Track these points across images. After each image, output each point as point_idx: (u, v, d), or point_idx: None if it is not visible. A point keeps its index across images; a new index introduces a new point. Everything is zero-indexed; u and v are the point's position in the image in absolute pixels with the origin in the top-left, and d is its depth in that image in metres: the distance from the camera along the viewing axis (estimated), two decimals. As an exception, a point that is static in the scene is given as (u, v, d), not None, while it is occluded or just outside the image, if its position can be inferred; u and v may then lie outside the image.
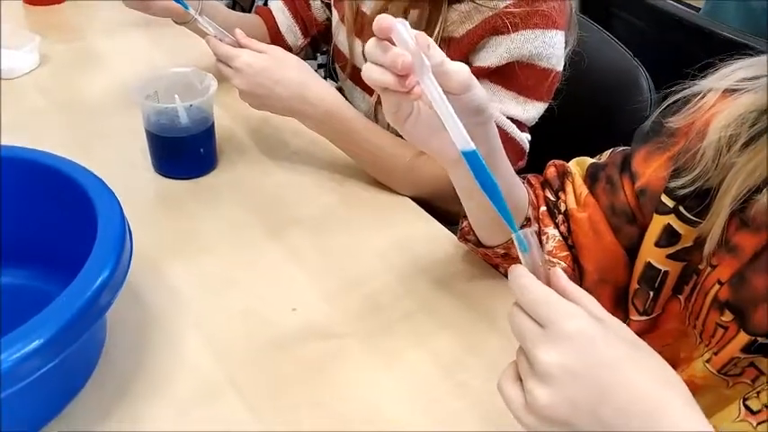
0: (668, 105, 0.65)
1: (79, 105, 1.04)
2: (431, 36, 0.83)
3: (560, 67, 0.87)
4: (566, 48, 0.87)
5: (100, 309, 0.56)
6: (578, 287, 0.46)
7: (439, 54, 0.55)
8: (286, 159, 0.94)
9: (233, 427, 0.60)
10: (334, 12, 1.02)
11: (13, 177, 0.67)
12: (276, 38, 1.10)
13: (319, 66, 1.23)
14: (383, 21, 0.53)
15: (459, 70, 0.56)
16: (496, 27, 0.83)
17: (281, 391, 0.63)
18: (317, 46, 1.13)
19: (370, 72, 0.55)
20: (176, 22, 0.95)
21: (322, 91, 0.85)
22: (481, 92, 0.58)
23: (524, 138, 0.88)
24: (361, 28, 0.95)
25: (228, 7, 1.33)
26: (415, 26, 0.84)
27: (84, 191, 0.64)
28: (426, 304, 0.73)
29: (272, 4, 1.11)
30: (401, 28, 0.53)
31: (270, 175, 0.92)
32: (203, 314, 0.71)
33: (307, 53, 1.14)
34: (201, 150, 0.90)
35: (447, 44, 0.87)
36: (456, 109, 0.55)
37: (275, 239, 0.81)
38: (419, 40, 0.53)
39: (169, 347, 0.67)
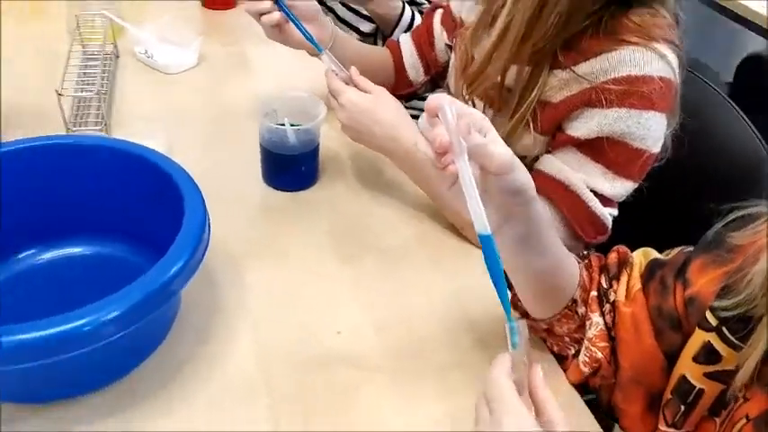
0: (735, 219, 0.64)
1: (217, 107, 1.15)
2: (528, 98, 0.87)
3: (656, 149, 0.85)
4: (667, 129, 0.86)
5: (170, 292, 0.65)
6: (549, 394, 0.50)
7: (479, 137, 0.58)
8: (378, 188, 1.00)
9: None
10: (453, 56, 1.07)
11: (124, 169, 0.79)
12: (400, 71, 1.16)
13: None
14: (434, 100, 0.57)
15: (502, 153, 0.58)
16: (591, 100, 0.83)
17: (307, 407, 0.70)
18: (437, 84, 1.18)
19: (419, 142, 0.60)
20: (309, 54, 1.04)
21: (411, 136, 0.90)
22: (523, 175, 0.60)
23: (607, 213, 0.88)
24: (469, 76, 0.97)
25: (372, 35, 1.42)
26: (515, 85, 0.88)
27: (177, 186, 0.74)
28: (464, 361, 0.75)
29: (401, 39, 1.18)
30: (447, 109, 0.56)
31: (360, 200, 0.98)
32: (262, 317, 0.79)
33: (426, 88, 1.19)
34: (303, 168, 0.98)
35: (543, 108, 0.88)
36: (498, 188, 0.58)
37: (346, 262, 0.88)
38: (461, 123, 0.57)
39: (225, 339, 0.75)
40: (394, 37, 1.32)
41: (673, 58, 0.82)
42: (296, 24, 0.98)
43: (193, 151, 1.03)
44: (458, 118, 0.57)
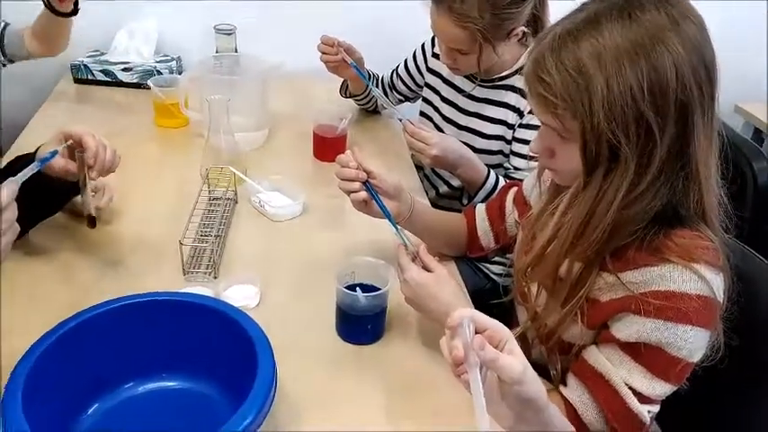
0: None
1: (310, 256, 1.25)
2: (578, 293, 0.91)
3: (695, 359, 0.86)
4: (710, 340, 0.86)
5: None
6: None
7: (492, 353, 0.65)
8: (435, 348, 1.03)
9: None
10: (519, 234, 1.14)
11: (216, 326, 0.91)
12: (473, 236, 1.25)
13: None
14: (455, 318, 0.66)
15: (511, 367, 0.65)
16: (633, 307, 0.86)
17: None
18: (506, 252, 1.24)
19: (442, 349, 0.67)
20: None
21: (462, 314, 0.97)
22: (534, 387, 0.67)
23: (645, 410, 0.88)
24: (529, 260, 1.03)
25: (460, 189, 1.55)
26: (566, 278, 0.92)
27: (253, 343, 0.85)
28: None
29: (477, 208, 1.26)
30: (465, 325, 0.65)
31: (416, 360, 1.04)
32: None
33: (497, 254, 1.27)
34: (370, 326, 1.07)
35: (591, 304, 0.91)
36: (511, 395, 0.65)
37: (391, 420, 0.93)
38: (477, 338, 0.64)
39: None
40: (477, 199, 1.43)
41: (714, 278, 0.83)
42: (378, 203, 1.10)
43: (282, 296, 1.15)
44: (477, 330, 0.65)
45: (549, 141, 0.88)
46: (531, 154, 0.92)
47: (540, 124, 0.89)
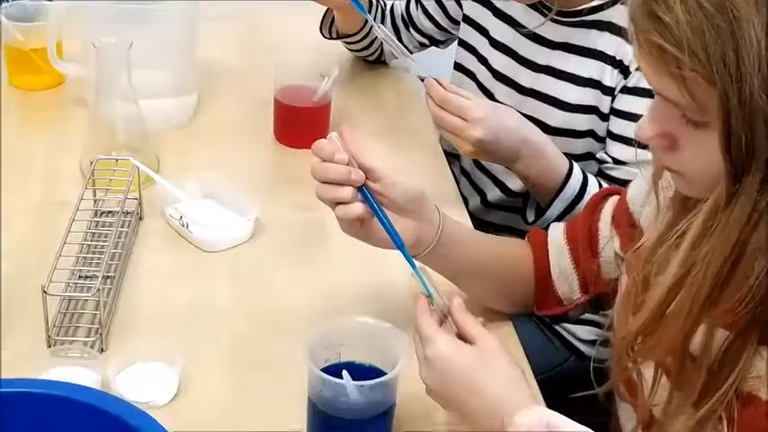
0: None
1: (265, 313, 1.25)
2: (722, 382, 0.89)
3: None
4: None
5: None
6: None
7: None
8: None
9: None
10: (622, 279, 1.09)
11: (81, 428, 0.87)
12: (544, 281, 1.22)
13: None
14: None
15: None
16: None
17: None
18: (600, 307, 1.21)
19: None
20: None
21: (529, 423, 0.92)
22: None
23: None
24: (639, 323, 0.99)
25: (521, 194, 1.53)
26: (702, 357, 0.91)
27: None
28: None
29: (551, 232, 1.24)
30: None
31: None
32: None
33: (583, 309, 1.23)
34: (367, 439, 1.03)
35: (745, 402, 0.89)
36: None
37: None
38: None
39: None
40: (551, 214, 1.40)
41: None
42: (382, 222, 1.07)
43: (215, 384, 1.13)
44: None
45: (669, 124, 0.89)
46: (641, 141, 0.94)
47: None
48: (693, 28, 0.80)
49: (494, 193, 1.65)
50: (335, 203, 1.08)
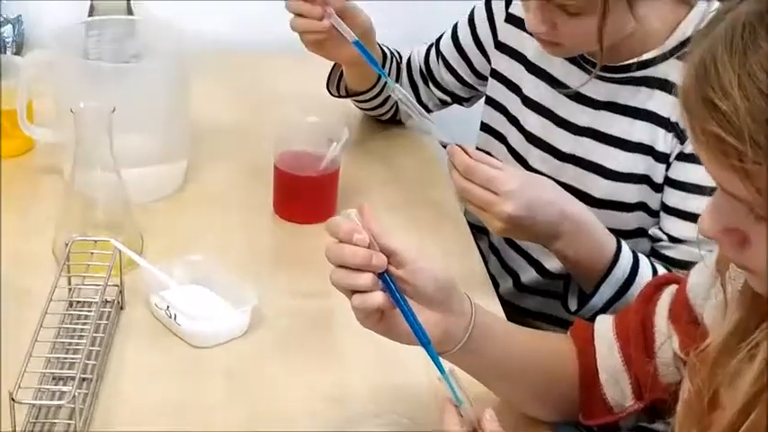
0: None
1: (259, 421, 1.24)
2: None
3: None
4: None
5: None
6: None
7: None
8: None
9: None
10: (684, 385, 1.06)
11: None
12: (588, 383, 1.20)
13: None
14: None
15: None
16: None
17: None
18: (658, 415, 1.18)
19: None
20: None
21: None
22: None
23: None
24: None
25: None
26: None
27: None
28: None
29: (598, 326, 1.22)
30: None
31: None
32: None
33: (637, 418, 1.22)
34: None
35: None
36: None
37: None
38: None
39: None
40: (596, 302, 1.39)
41: None
42: (406, 315, 1.06)
43: None
44: None
45: (735, 219, 0.89)
46: (705, 237, 0.94)
47: None
48: (754, 116, 0.81)
49: (528, 275, 1.65)
50: (352, 292, 1.07)
